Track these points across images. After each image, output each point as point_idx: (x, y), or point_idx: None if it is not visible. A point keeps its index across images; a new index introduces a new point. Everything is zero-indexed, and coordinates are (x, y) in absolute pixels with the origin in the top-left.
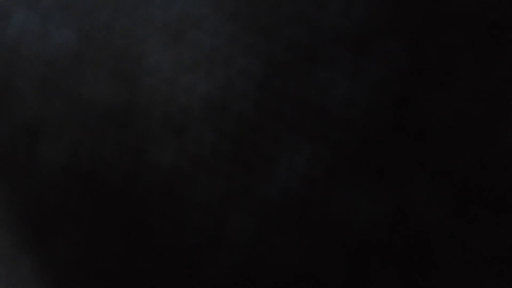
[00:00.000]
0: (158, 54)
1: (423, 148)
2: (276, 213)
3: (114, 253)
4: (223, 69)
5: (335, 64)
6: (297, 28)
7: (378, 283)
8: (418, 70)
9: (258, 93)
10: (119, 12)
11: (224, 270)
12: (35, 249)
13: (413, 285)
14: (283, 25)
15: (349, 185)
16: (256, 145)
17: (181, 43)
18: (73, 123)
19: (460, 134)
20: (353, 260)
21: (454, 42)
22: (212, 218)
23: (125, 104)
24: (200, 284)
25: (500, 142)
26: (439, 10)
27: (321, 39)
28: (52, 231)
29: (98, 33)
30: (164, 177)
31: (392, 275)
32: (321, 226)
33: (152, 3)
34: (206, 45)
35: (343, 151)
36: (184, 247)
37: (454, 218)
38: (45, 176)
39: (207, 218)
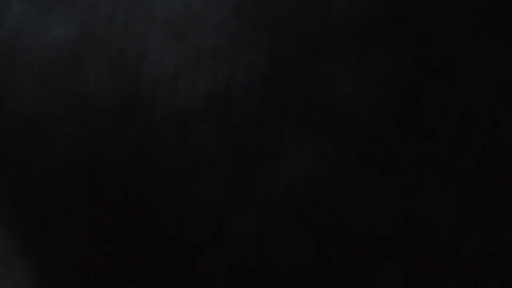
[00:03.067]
0: (160, 51)
1: (428, 145)
2: (279, 210)
3: (115, 251)
4: (227, 65)
5: (340, 59)
6: (301, 23)
7: (382, 281)
8: (424, 65)
9: (262, 89)
10: (120, 7)
11: (227, 266)
12: (33, 248)
13: (417, 283)
14: (287, 21)
15: (353, 181)
16: (260, 142)
17: (184, 39)
18: (73, 120)
19: (465, 131)
20: (358, 257)
21: (459, 37)
22: (215, 215)
23: (127, 100)
24: (202, 281)
25: (506, 139)
26: (444, 4)
27: (326, 34)
28: (51, 229)
29: (98, 28)
30: (166, 174)
31: (396, 272)
32: (325, 223)
33: (152, 0)
34: (210, 41)
35: (348, 148)
36: (187, 244)
37: (459, 216)
38: (44, 173)
39: (210, 215)
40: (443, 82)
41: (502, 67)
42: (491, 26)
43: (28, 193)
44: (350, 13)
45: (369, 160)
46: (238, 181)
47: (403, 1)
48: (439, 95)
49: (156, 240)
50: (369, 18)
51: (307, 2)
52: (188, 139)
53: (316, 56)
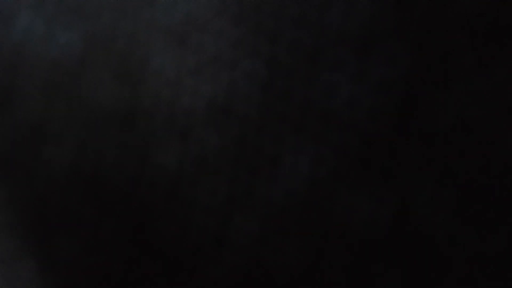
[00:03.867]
0: (162, 57)
1: (426, 150)
2: (279, 215)
3: (117, 255)
4: (227, 72)
5: (338, 66)
6: (300, 30)
7: (381, 284)
8: (421, 72)
9: (262, 95)
10: (123, 15)
11: (227, 271)
12: (38, 251)
13: (415, 286)
14: (287, 28)
15: (352, 186)
16: (259, 147)
17: (185, 46)
18: (77, 125)
19: (462, 136)
20: (356, 261)
21: (456, 44)
22: (216, 220)
23: (129, 106)
24: (203, 285)
25: (502, 143)
26: (441, 12)
27: (325, 41)
28: (55, 233)
29: (102, 36)
30: (168, 179)
31: (395, 275)
32: (324, 227)
33: (156, 6)
34: (210, 48)
35: (347, 153)
36: (188, 248)
37: (457, 220)
38: (49, 178)
39: (210, 220)
40: (440, 88)
41: (498, 74)
42: (487, 32)
43: (33, 197)
44: (349, 21)
45: (368, 165)
46: (238, 186)
47: (401, 9)
48: (436, 101)
49: (157, 244)
50: (367, 26)
51: (306, 10)
52: (189, 145)
53: (315, 63)
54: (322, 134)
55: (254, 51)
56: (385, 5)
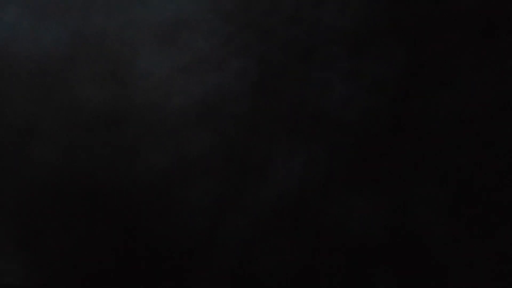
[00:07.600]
0: (152, 56)
1: (421, 150)
2: (271, 215)
3: (107, 255)
4: (218, 71)
5: (331, 65)
6: (293, 29)
7: (375, 285)
8: (416, 70)
9: (253, 94)
10: (112, 14)
11: (218, 271)
12: (26, 250)
13: (410, 287)
14: (278, 26)
15: (346, 187)
16: (251, 147)
17: (175, 45)
18: (66, 125)
19: (457, 136)
20: (351, 263)
21: (451, 42)
22: (207, 220)
23: (119, 106)
24: (195, 285)
25: (498, 142)
26: (436, 10)
27: (317, 40)
28: (44, 233)
29: (91, 35)
30: (159, 179)
31: (389, 277)
32: (317, 229)
33: (146, 5)
34: (201, 47)
35: (340, 153)
36: (179, 248)
37: (451, 220)
38: (37, 178)
39: (202, 220)
40: (435, 87)
41: (493, 72)
42: (483, 31)
43: (21, 197)
44: (342, 19)
45: (361, 166)
46: (229, 187)
47: (395, 7)
48: (430, 100)
49: (148, 245)
50: (361, 24)
51: (298, 8)
52: (179, 145)
53: (307, 61)
54: (314, 134)
55: (245, 49)
56: (380, 3)
